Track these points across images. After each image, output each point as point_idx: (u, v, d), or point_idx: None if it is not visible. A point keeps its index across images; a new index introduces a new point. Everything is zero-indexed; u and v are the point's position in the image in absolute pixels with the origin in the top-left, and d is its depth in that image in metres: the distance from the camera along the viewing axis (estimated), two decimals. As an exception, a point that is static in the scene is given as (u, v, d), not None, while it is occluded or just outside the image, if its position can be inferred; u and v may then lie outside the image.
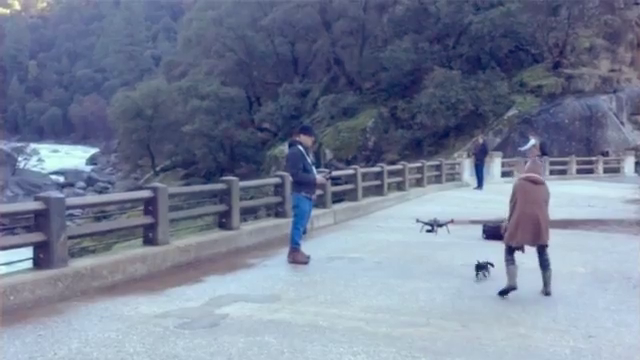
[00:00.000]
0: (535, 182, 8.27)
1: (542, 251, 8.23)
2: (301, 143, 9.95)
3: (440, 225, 9.19)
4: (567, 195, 21.42)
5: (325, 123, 43.37)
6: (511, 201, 8.29)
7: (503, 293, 7.94)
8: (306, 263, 9.73)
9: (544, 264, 8.21)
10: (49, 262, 7.67)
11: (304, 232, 10.19)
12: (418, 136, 38.70)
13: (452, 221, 9.23)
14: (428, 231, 9.27)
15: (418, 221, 9.39)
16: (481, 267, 8.66)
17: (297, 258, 9.80)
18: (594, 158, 33.72)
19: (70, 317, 6.79)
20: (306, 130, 10.36)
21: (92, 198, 19.31)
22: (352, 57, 47.23)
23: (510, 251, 8.21)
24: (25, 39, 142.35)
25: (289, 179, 12.89)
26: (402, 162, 23.17)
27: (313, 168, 10.09)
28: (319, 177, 10.17)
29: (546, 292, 8.14)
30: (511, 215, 8.21)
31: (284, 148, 42.44)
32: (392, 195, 18.99)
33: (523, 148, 25.58)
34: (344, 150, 39.74)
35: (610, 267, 9.81)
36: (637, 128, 38.38)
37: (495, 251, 10.84)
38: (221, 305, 7.31)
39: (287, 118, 48.44)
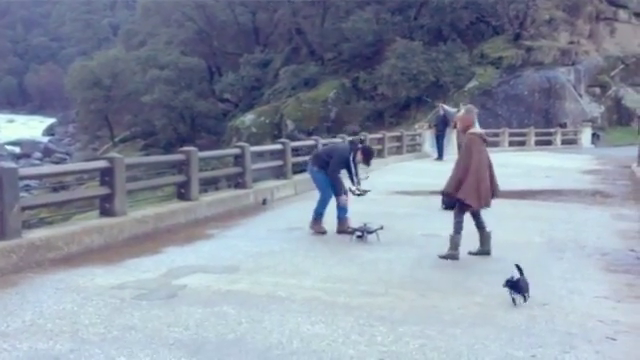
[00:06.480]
0: (485, 140, 8.33)
1: (480, 212, 8.34)
2: (356, 154, 10.02)
3: (370, 232, 9.20)
4: (525, 166, 21.74)
5: (286, 94, 43.16)
6: (465, 158, 8.14)
7: (445, 257, 8.16)
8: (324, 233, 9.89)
9: (483, 225, 8.40)
10: (2, 233, 7.52)
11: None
12: (380, 107, 38.79)
13: (382, 227, 9.26)
14: (358, 237, 9.30)
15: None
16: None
17: (317, 228, 10.00)
18: (552, 130, 34.16)
19: (24, 289, 6.67)
20: (367, 153, 10.24)
21: (46, 168, 18.95)
22: (314, 27, 46.87)
23: (462, 216, 8.23)
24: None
25: (249, 150, 12.83)
26: (363, 133, 23.20)
27: (354, 178, 10.13)
28: (343, 197, 9.96)
29: (486, 251, 8.36)
30: (465, 174, 8.04)
31: (245, 119, 42.18)
32: (353, 166, 19.00)
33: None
34: (305, 121, 39.59)
35: (566, 236, 9.96)
36: (594, 100, 38.95)
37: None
38: (179, 276, 7.25)
39: (248, 89, 48.07)
